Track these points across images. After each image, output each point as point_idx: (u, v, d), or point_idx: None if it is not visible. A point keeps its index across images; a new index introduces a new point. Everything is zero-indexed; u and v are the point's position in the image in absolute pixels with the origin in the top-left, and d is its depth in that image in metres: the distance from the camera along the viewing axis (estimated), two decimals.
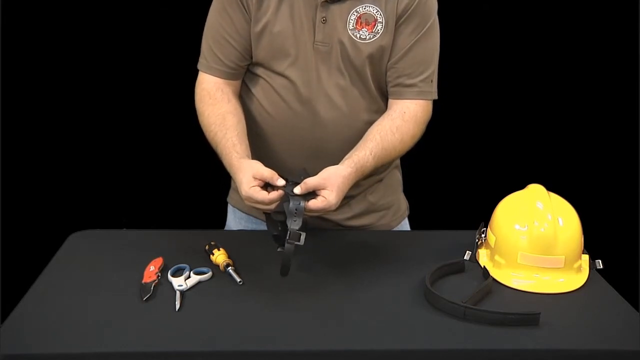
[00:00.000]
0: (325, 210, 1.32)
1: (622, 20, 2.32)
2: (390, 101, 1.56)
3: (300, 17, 1.48)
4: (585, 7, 2.34)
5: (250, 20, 1.50)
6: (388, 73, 1.53)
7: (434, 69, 1.55)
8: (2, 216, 2.12)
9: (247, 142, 1.47)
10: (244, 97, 1.60)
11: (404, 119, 1.51)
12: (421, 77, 1.53)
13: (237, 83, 1.59)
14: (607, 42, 2.38)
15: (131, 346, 1.12)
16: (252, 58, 1.55)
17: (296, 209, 1.28)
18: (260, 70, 1.55)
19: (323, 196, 1.31)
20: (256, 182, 1.32)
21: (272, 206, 1.33)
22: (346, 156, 1.43)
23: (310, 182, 1.32)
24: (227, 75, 1.56)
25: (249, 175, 1.33)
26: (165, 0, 2.29)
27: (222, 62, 1.54)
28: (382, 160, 1.47)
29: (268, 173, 1.33)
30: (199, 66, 1.58)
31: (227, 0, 1.52)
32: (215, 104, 1.52)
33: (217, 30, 1.54)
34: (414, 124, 1.52)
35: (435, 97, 1.57)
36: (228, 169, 1.44)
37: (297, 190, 1.32)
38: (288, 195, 1.31)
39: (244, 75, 1.59)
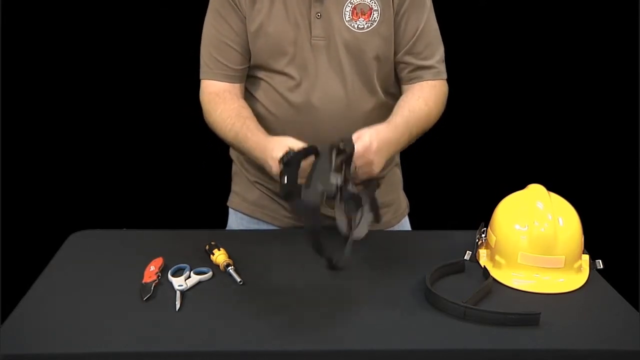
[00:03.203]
0: (366, 154, 1.32)
1: (622, 20, 2.32)
2: (405, 87, 1.58)
3: (294, 14, 1.49)
4: (586, 6, 2.34)
5: (245, 19, 1.51)
6: (404, 60, 1.55)
7: (443, 49, 1.59)
8: (2, 216, 2.12)
9: None
10: (246, 101, 1.60)
11: (422, 88, 1.54)
12: (437, 58, 1.56)
13: (241, 87, 1.58)
14: (607, 41, 2.38)
15: (131, 346, 1.12)
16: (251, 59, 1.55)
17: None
18: (259, 72, 1.56)
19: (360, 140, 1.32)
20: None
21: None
22: None
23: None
24: (231, 79, 1.55)
25: (283, 143, 1.34)
26: (166, 1, 2.30)
27: (225, 66, 1.54)
28: (413, 122, 1.48)
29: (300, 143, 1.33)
30: (202, 75, 1.57)
31: (220, 4, 1.52)
32: (227, 102, 1.53)
33: (215, 36, 1.54)
34: (435, 93, 1.54)
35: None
36: (253, 149, 1.43)
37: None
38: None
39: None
